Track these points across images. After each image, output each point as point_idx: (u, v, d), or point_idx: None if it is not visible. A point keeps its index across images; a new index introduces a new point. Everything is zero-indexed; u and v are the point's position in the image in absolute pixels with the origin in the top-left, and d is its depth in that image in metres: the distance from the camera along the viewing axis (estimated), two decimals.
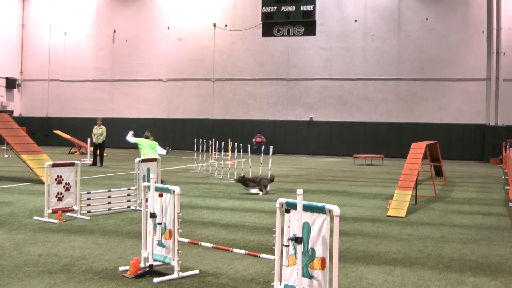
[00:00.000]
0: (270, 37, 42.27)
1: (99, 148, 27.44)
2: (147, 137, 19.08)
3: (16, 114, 47.51)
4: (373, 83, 40.65)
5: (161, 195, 8.00)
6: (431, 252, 9.91)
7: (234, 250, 7.92)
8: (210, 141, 30.17)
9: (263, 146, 23.44)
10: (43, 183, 17.30)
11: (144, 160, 13.81)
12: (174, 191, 7.87)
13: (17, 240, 10.23)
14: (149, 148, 18.51)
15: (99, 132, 27.25)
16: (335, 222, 6.25)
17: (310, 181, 22.38)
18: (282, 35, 41.92)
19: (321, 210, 6.34)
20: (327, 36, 41.36)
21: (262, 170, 19.96)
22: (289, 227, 6.56)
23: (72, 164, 12.81)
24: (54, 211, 12.28)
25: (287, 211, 6.59)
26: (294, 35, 41.67)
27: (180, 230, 7.95)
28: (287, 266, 6.65)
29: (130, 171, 24.06)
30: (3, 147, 35.45)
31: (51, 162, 12.59)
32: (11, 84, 48.69)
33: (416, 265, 8.97)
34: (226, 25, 43.67)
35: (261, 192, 17.59)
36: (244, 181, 18.20)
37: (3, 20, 47.77)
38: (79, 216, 12.58)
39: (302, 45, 41.90)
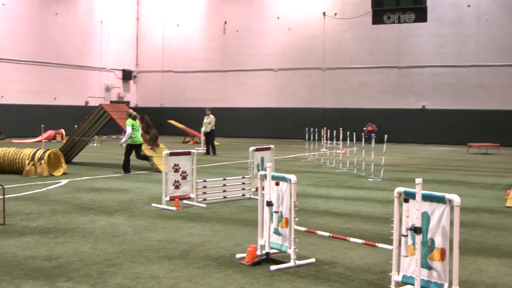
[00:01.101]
0: (380, 25, 41.58)
1: (208, 136, 28.06)
2: (134, 118, 19.46)
3: (132, 105, 49.04)
4: (487, 69, 39.31)
5: (277, 184, 8.07)
6: None
7: (351, 239, 7.90)
8: (321, 130, 30.12)
9: (374, 135, 23.20)
10: (159, 171, 17.86)
11: (258, 149, 13.95)
12: (290, 180, 7.93)
13: (138, 226, 10.60)
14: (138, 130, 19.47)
15: (207, 121, 27.88)
16: (455, 213, 6.14)
17: (423, 170, 21.97)
18: (393, 22, 41.18)
19: (441, 200, 6.24)
20: (439, 22, 40.30)
21: (375, 158, 19.76)
22: (407, 216, 6.47)
23: (188, 153, 13.12)
24: (172, 199, 12.63)
25: (406, 200, 6.51)
26: (404, 22, 40.81)
27: (296, 219, 8.01)
28: (406, 256, 6.58)
29: (243, 160, 24.37)
30: (120, 137, 36.65)
31: (169, 151, 12.95)
32: (127, 76, 50.34)
33: None
34: (335, 14, 43.36)
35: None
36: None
37: (120, 15, 49.39)
38: (195, 203, 12.89)
39: (413, 32, 41.04)
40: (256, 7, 46.03)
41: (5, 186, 11.20)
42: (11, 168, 18.84)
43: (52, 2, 43.96)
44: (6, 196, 11.06)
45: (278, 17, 45.04)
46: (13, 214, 11.52)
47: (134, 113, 19.77)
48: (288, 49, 44.83)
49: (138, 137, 19.48)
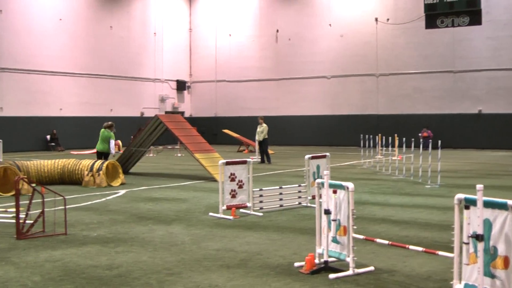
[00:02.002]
0: (434, 29, 41.00)
1: (261, 145, 28.11)
2: (108, 127, 21.19)
3: (186, 114, 49.52)
4: None
5: (335, 192, 8.04)
6: None
7: (411, 247, 7.83)
8: (376, 136, 29.89)
9: (430, 140, 22.88)
10: (215, 180, 17.99)
11: (314, 157, 13.93)
12: (348, 188, 7.90)
13: (195, 235, 10.68)
14: (100, 140, 21.24)
15: (260, 130, 27.98)
16: None
17: (481, 176, 21.62)
18: (446, 26, 40.51)
19: (503, 206, 6.13)
20: (494, 25, 39.57)
21: (432, 164, 19.49)
22: (468, 224, 6.38)
23: (244, 162, 13.19)
24: (229, 208, 12.69)
25: (466, 207, 6.41)
26: (458, 25, 40.09)
27: (354, 227, 7.97)
28: (467, 264, 6.48)
29: (298, 168, 24.35)
30: (176, 147, 37.02)
31: (225, 161, 13.01)
32: (181, 86, 50.88)
33: None
34: (388, 19, 43.03)
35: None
36: None
37: (174, 26, 50.04)
38: (252, 212, 12.93)
39: (467, 35, 40.38)
40: (308, 14, 46.01)
41: (66, 197, 11.43)
42: (71, 179, 19.24)
43: (106, 16, 44.79)
44: (67, 207, 11.28)
45: (330, 24, 44.93)
46: (74, 224, 11.75)
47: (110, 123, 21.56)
48: (340, 56, 44.68)
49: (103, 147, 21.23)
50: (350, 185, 7.88)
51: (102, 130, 21.24)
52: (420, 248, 7.72)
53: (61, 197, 11.19)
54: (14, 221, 10.65)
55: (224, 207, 12.64)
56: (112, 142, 21.04)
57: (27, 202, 10.88)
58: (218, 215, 12.58)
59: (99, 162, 19.01)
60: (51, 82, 41.12)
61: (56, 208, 11.75)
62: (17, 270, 8.34)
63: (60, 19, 41.60)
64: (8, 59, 38.84)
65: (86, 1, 43.57)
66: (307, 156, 13.82)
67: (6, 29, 38.74)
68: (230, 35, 49.54)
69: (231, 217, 12.37)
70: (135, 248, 9.63)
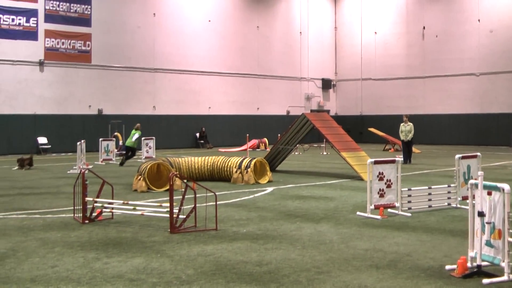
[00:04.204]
0: None
1: (407, 145, 27.30)
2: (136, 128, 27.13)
3: (332, 113, 49.54)
4: None
5: (490, 193, 7.81)
6: None
7: None
8: None
9: None
10: (362, 179, 17.93)
11: (464, 157, 13.57)
12: (503, 189, 7.64)
13: (344, 234, 10.70)
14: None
15: (407, 129, 27.15)
16: None
17: None
18: None
19: None
20: None
21: None
22: None
23: (393, 161, 13.03)
24: (377, 207, 12.60)
25: None
26: None
27: (510, 230, 7.70)
28: None
29: (445, 168, 23.80)
30: (322, 145, 37.13)
31: (373, 160, 12.92)
32: (327, 84, 51.05)
33: None
34: None
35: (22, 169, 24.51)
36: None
37: (319, 25, 50.35)
38: (400, 212, 12.77)
39: None
40: (455, 10, 44.75)
41: (216, 193, 11.78)
42: (220, 176, 19.78)
43: (253, 16, 45.68)
44: (217, 203, 11.62)
45: (478, 20, 43.45)
46: (224, 220, 12.10)
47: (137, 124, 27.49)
48: (490, 52, 43.09)
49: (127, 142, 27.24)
50: (506, 186, 7.62)
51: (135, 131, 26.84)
52: None
53: (212, 193, 11.54)
54: (168, 215, 11.07)
55: (372, 207, 12.56)
56: (136, 135, 26.72)
57: (180, 197, 11.25)
58: (366, 215, 12.52)
59: (247, 159, 19.41)
60: (201, 81, 42.55)
61: (207, 204, 12.13)
62: (172, 263, 8.72)
63: (209, 21, 42.92)
64: (161, 60, 40.58)
65: (233, 2, 44.69)
66: (457, 156, 13.47)
67: (159, 31, 40.48)
68: (375, 32, 49.10)
69: (379, 217, 12.29)
70: (284, 246, 9.78)
